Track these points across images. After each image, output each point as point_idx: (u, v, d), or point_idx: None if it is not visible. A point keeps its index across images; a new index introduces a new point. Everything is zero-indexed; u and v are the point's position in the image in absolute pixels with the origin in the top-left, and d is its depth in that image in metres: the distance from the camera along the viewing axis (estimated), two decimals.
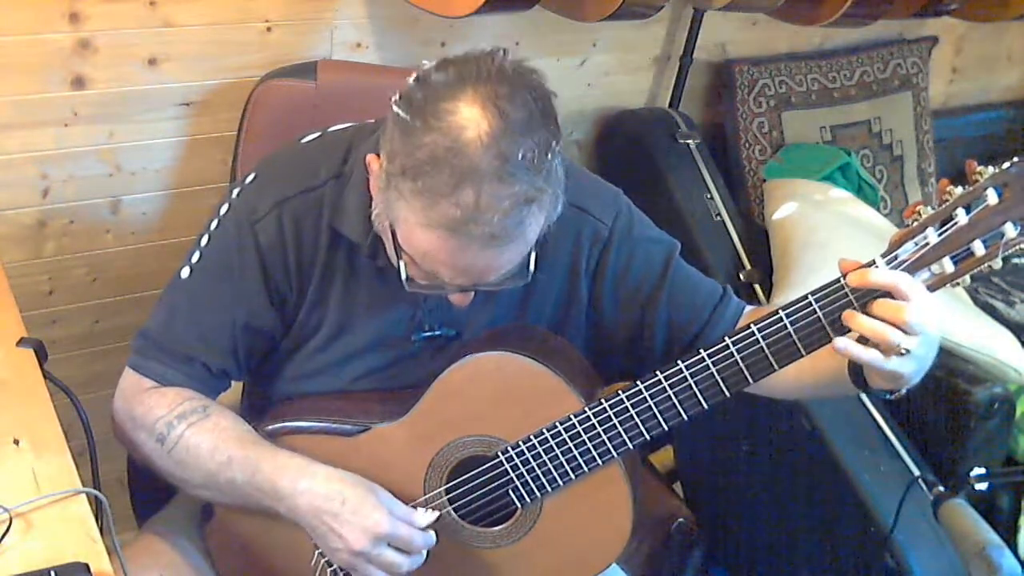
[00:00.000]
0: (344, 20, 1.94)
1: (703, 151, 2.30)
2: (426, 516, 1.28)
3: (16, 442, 1.19)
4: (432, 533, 1.28)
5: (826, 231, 2.11)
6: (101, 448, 1.28)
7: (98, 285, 1.97)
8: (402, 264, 1.17)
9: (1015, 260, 2.44)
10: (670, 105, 2.40)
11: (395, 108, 1.12)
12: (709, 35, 2.36)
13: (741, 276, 2.14)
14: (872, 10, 2.19)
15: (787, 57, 2.49)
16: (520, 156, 1.07)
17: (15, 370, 1.30)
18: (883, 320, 1.10)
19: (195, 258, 1.32)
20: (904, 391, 1.20)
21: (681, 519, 1.74)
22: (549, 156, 1.10)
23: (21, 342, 1.34)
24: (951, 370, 1.93)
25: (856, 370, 1.21)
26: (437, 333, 1.35)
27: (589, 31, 2.23)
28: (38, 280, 1.91)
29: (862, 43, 2.60)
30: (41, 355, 1.33)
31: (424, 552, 1.28)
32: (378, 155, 1.17)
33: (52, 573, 1.02)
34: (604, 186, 1.41)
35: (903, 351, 1.10)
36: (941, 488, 1.62)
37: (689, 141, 2.30)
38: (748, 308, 1.40)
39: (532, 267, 1.20)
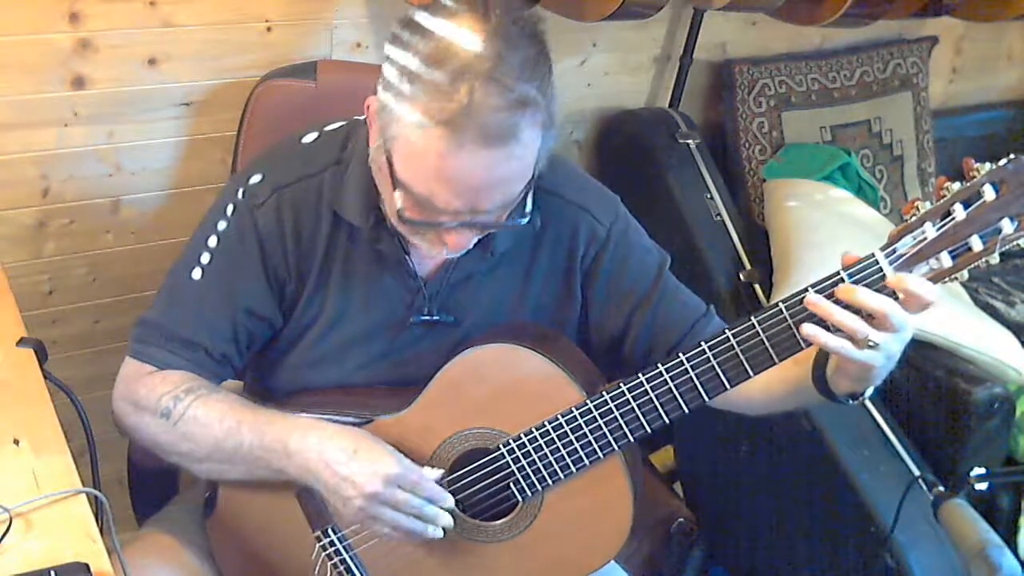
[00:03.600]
0: (344, 20, 1.94)
1: (703, 151, 2.30)
2: (432, 471, 1.28)
3: (16, 442, 1.19)
4: (449, 496, 1.28)
5: (826, 231, 2.11)
6: (101, 448, 1.28)
7: (98, 285, 1.97)
8: (397, 197, 1.17)
9: (1015, 260, 2.46)
10: (670, 105, 2.40)
11: (389, 47, 1.16)
12: (709, 35, 2.36)
13: (741, 276, 2.14)
14: (872, 10, 2.19)
15: (787, 57, 2.49)
16: (513, 62, 1.10)
17: (15, 370, 1.30)
18: (872, 310, 1.10)
19: (205, 259, 1.32)
20: (866, 395, 1.21)
21: (681, 519, 1.74)
22: (542, 72, 1.13)
23: (21, 342, 1.34)
24: (951, 370, 1.93)
25: (819, 376, 1.22)
26: (436, 318, 1.35)
27: (589, 31, 2.23)
28: (38, 280, 1.91)
29: (862, 43, 2.60)
30: (41, 355, 1.33)
31: (441, 510, 1.27)
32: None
33: (52, 573, 1.02)
34: (605, 192, 1.43)
35: (871, 343, 1.11)
36: (941, 488, 1.61)
37: (689, 141, 2.30)
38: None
39: (530, 206, 1.21)
